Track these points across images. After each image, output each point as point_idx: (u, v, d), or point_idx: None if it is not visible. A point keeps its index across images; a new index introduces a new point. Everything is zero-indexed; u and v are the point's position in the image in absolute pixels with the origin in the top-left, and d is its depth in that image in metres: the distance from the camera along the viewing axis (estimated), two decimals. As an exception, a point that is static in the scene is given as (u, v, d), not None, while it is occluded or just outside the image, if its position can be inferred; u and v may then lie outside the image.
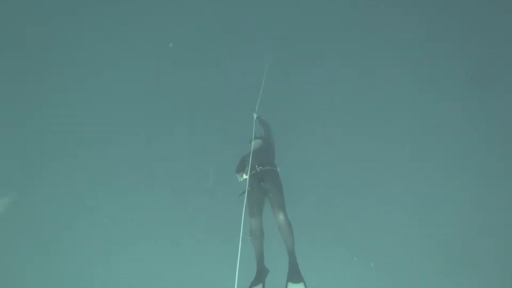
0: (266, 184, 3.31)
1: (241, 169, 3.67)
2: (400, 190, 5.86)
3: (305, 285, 2.76)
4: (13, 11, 5.98)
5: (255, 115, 4.20)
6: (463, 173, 5.95)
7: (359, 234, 5.48)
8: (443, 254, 5.37)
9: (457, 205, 5.72)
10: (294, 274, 2.83)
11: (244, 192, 3.01)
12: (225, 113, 6.27)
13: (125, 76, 6.35)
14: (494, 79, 6.27)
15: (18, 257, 5.23)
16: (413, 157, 6.12)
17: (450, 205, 5.74)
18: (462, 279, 5.21)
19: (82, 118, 6.06)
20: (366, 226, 5.55)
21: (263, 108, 4.32)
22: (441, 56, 6.43)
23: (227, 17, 6.48)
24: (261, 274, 2.92)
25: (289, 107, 6.37)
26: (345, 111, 6.37)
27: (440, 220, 5.61)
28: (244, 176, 3.50)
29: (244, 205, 2.72)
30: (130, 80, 6.33)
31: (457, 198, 5.75)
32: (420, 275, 5.26)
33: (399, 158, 6.07)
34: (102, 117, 6.10)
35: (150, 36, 6.41)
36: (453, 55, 6.42)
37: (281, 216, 3.09)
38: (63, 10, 6.13)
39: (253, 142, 3.80)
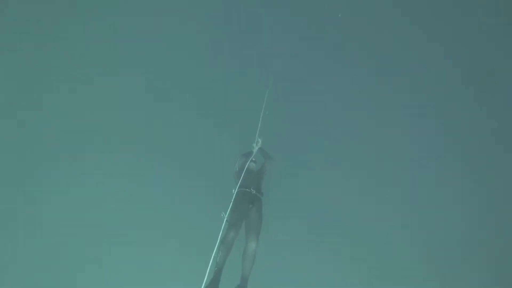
0: (254, 209, 3.56)
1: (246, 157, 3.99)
2: (399, 191, 5.86)
3: None
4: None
5: (254, 147, 4.26)
6: (462, 173, 5.94)
7: (357, 235, 5.47)
8: (442, 254, 5.37)
9: (456, 205, 5.72)
10: None
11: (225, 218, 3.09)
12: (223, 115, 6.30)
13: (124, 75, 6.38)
14: (494, 79, 6.28)
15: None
16: (413, 157, 6.12)
17: (450, 205, 5.74)
18: (461, 279, 5.22)
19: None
20: (365, 226, 5.55)
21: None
22: (440, 56, 6.45)
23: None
24: (216, 282, 3.03)
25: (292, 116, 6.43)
26: (343, 111, 6.38)
27: (439, 220, 5.61)
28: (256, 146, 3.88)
29: (224, 223, 2.86)
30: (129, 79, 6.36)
31: (456, 198, 5.75)
32: (418, 276, 5.25)
33: (398, 159, 6.08)
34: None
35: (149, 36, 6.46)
36: (453, 55, 6.44)
37: (253, 245, 3.36)
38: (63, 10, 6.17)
39: (250, 164, 3.94)
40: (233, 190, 3.50)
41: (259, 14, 6.61)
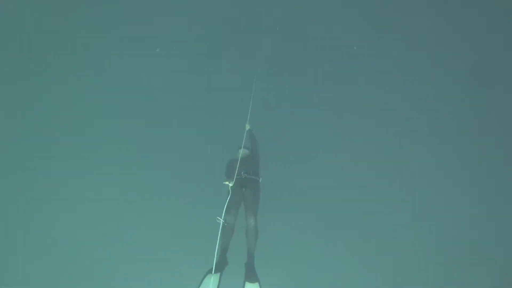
0: (247, 191, 3.71)
1: (229, 176, 3.96)
2: (399, 191, 5.82)
3: (260, 285, 3.12)
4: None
5: (247, 126, 4.48)
6: (462, 173, 5.91)
7: (357, 234, 5.44)
8: (442, 254, 5.34)
9: (456, 205, 5.68)
10: (251, 275, 3.19)
11: (221, 221, 3.23)
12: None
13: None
14: (494, 79, 6.25)
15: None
16: (412, 158, 6.09)
17: (450, 205, 5.71)
18: (462, 279, 5.18)
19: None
20: (365, 225, 5.52)
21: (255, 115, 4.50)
22: (440, 56, 6.43)
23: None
24: (221, 263, 3.23)
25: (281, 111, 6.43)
26: (343, 111, 6.36)
27: (439, 221, 5.58)
28: (231, 184, 3.73)
29: (221, 227, 2.99)
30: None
31: (456, 198, 5.72)
32: (419, 275, 5.22)
33: (397, 159, 6.05)
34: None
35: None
36: (453, 55, 6.42)
37: (252, 221, 3.52)
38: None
39: (241, 150, 4.16)
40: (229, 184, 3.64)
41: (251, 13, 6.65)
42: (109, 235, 5.28)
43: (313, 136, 6.24)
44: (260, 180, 4.00)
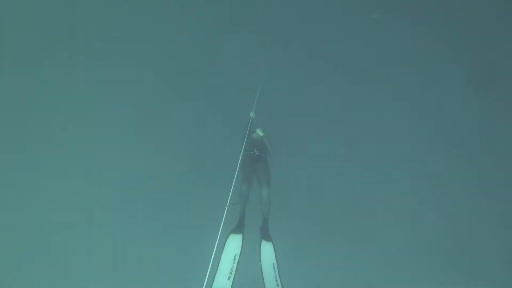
0: (259, 165, 4.26)
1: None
2: (399, 191, 5.83)
3: (273, 243, 3.67)
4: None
5: (252, 114, 4.80)
6: (462, 173, 5.91)
7: (356, 233, 5.44)
8: (441, 254, 5.34)
9: (456, 206, 5.68)
10: (266, 235, 3.74)
11: (233, 204, 3.60)
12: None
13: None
14: (494, 79, 6.27)
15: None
16: (412, 158, 6.09)
17: (449, 206, 5.71)
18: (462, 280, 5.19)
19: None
20: (364, 224, 5.52)
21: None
22: (440, 56, 6.45)
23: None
24: (241, 225, 3.72)
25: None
26: (342, 111, 6.37)
27: (439, 222, 5.58)
28: (260, 133, 4.45)
29: (225, 211, 3.31)
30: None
31: (456, 199, 5.72)
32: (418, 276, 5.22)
33: (397, 159, 6.05)
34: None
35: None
36: (452, 55, 6.43)
37: (265, 191, 4.02)
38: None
39: (255, 134, 4.57)
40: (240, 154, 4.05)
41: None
42: (108, 234, 5.26)
43: (313, 136, 6.25)
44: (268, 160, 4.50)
